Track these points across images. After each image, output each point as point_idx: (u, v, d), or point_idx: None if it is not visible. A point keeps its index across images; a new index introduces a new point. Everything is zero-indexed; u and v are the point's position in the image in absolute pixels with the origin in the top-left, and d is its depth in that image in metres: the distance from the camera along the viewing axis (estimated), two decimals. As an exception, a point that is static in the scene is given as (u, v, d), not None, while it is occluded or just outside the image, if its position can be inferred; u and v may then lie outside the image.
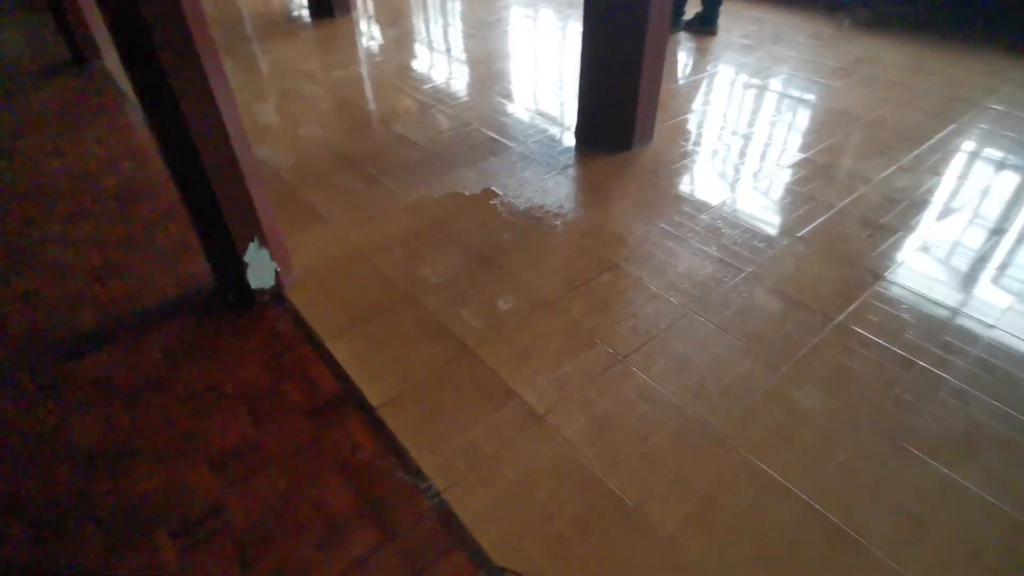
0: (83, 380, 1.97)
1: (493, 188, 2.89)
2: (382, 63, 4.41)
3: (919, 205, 2.66)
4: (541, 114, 3.60)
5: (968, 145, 3.11)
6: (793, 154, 3.07)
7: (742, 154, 3.10)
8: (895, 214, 2.60)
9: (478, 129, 3.44)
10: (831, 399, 1.80)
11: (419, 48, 4.70)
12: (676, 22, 4.70)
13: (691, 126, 3.40)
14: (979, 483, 1.56)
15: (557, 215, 2.68)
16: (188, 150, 1.84)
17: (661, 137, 3.28)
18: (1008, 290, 2.18)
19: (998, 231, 2.49)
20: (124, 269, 2.47)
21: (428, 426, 1.77)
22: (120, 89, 4.20)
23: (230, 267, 2.14)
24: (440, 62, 4.41)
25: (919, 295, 2.17)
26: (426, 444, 1.72)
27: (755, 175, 2.91)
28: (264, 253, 2.16)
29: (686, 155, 3.10)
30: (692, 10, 4.75)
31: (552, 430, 1.74)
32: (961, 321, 2.06)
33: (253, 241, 2.10)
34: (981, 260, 2.33)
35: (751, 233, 2.51)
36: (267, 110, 3.78)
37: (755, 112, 3.53)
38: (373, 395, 1.87)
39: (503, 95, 3.84)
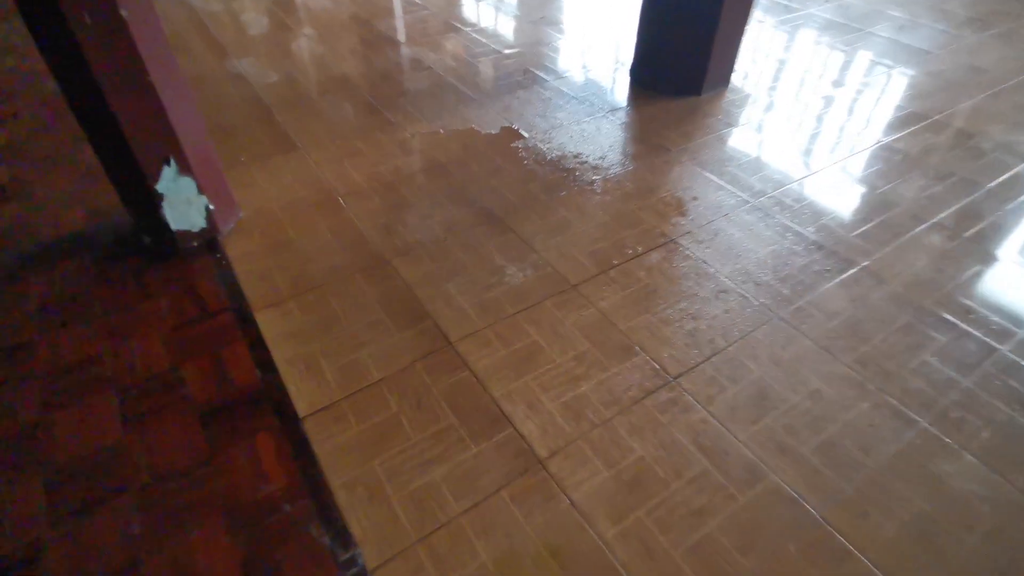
0: (-74, 334, 1.45)
1: (517, 128, 2.24)
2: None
3: (1103, 195, 1.90)
4: (591, 47, 2.89)
5: None
6: (915, 115, 2.31)
7: (850, 111, 2.36)
8: (1070, 204, 1.85)
9: (507, 56, 2.76)
10: (1003, 481, 1.14)
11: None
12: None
13: (782, 72, 2.65)
14: None
15: (596, 168, 2.02)
16: (65, 37, 1.26)
17: (741, 83, 2.55)
18: None
19: None
20: (32, 190, 1.93)
21: (373, 457, 1.18)
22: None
23: (140, 199, 1.57)
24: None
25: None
26: (364, 487, 1.14)
27: (862, 137, 2.18)
28: (187, 183, 1.57)
29: (773, 107, 2.38)
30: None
31: (555, 486, 1.13)
32: None
33: (168, 165, 1.52)
34: None
35: (863, 214, 1.81)
36: (259, 20, 3.16)
37: (862, 64, 2.75)
38: (302, 399, 1.29)
39: (549, 22, 3.13)
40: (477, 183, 1.94)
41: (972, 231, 1.74)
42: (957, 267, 1.61)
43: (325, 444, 1.20)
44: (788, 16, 3.23)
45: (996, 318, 1.46)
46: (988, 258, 1.65)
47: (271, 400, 1.29)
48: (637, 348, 1.39)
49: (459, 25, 3.10)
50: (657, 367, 1.35)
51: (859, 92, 2.49)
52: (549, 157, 2.07)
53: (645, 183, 1.94)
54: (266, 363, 1.37)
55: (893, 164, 2.03)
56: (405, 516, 1.09)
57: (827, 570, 1.01)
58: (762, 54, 2.81)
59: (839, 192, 1.89)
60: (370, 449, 1.19)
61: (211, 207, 1.65)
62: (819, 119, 2.29)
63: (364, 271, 1.61)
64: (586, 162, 2.04)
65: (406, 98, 2.43)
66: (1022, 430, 1.22)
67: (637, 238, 1.72)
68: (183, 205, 1.60)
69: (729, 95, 2.45)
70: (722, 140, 2.16)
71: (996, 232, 1.74)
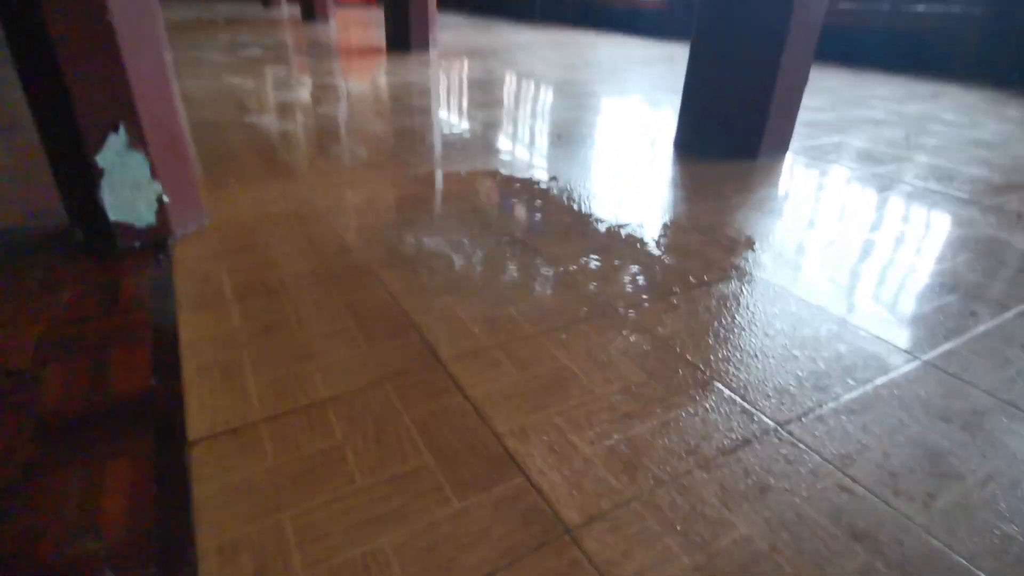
0: None
1: (552, 174, 1.95)
2: (455, 75, 3.78)
3: None
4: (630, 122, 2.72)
5: None
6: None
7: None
8: None
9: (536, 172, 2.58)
10: None
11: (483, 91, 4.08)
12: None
13: (854, 141, 2.39)
14: None
15: (641, 215, 1.67)
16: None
17: (802, 147, 2.28)
18: None
19: None
20: (-21, 194, 1.65)
21: (284, 507, 0.70)
22: None
23: (75, 174, 1.25)
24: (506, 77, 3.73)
25: None
26: (252, 554, 0.64)
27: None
28: (137, 160, 1.26)
29: (842, 174, 2.06)
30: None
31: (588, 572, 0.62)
32: None
33: (116, 132, 1.22)
34: None
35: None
36: (298, 95, 3.13)
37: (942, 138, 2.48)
38: (202, 417, 0.84)
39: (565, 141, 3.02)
40: (499, 212, 1.60)
41: None
42: None
43: (211, 483, 0.73)
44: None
45: None
46: None
47: (156, 416, 0.84)
48: (712, 379, 0.92)
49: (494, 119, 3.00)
50: (743, 404, 0.87)
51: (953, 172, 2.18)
52: (586, 196, 1.75)
53: (703, 221, 1.57)
54: (169, 369, 0.93)
55: None
56: (313, 613, 0.58)
57: None
58: (824, 127, 2.57)
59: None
60: (284, 494, 0.71)
61: (165, 199, 1.33)
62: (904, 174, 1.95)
63: (338, 279, 1.22)
64: (632, 209, 1.71)
65: (429, 148, 2.21)
66: None
67: (701, 267, 1.31)
68: (128, 189, 1.28)
69: (789, 159, 2.16)
70: (784, 189, 1.81)
71: None
